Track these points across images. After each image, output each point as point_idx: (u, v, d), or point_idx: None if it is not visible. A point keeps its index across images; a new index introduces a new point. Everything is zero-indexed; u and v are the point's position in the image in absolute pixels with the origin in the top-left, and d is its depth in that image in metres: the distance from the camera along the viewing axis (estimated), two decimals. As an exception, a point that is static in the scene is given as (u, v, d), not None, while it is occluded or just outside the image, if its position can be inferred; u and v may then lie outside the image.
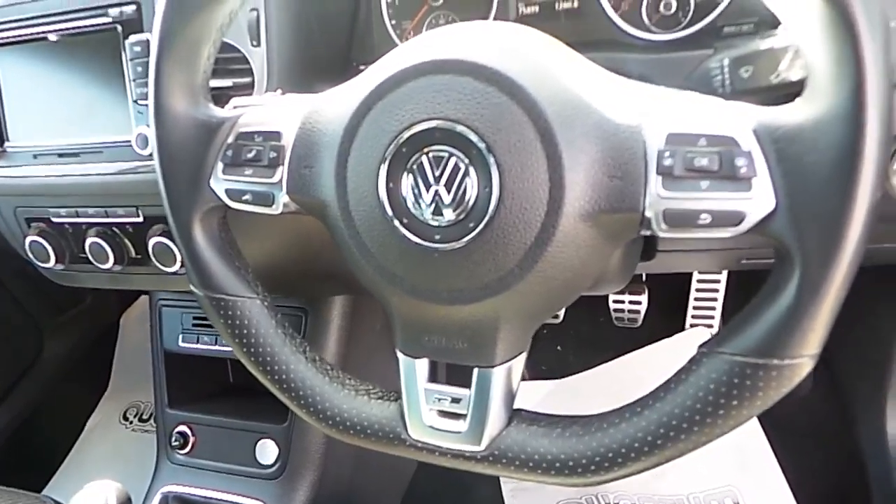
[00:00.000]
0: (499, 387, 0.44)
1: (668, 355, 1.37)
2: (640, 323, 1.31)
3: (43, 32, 0.74)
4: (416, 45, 0.43)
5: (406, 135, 0.40)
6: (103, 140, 0.74)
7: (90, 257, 0.80)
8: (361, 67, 0.47)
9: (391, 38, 0.74)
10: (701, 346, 0.40)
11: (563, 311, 1.23)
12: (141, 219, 0.77)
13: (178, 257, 0.74)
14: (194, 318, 1.05)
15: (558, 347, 1.51)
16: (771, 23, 0.37)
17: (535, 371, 1.48)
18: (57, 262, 0.83)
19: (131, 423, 1.64)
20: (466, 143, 0.39)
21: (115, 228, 0.79)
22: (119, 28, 0.70)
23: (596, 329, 1.46)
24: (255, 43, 0.66)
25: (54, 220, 0.82)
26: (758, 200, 0.35)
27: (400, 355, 0.47)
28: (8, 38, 0.76)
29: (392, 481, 1.32)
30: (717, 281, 1.36)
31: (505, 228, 0.39)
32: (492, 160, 0.38)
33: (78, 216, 0.80)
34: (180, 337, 1.05)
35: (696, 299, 1.39)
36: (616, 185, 0.38)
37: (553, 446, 0.43)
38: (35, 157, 0.78)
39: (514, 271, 0.40)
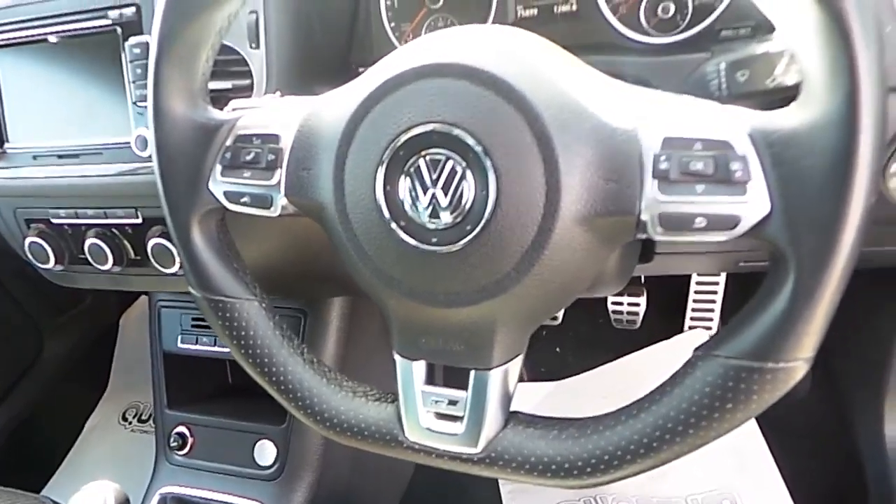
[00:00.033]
0: (495, 389, 0.44)
1: (666, 357, 1.37)
2: (638, 324, 1.31)
3: (43, 34, 0.74)
4: (413, 48, 0.43)
5: (403, 138, 0.40)
6: (103, 141, 0.74)
7: (89, 258, 0.80)
8: (360, 69, 0.47)
9: (390, 41, 0.74)
10: (696, 349, 0.40)
11: (562, 312, 1.23)
12: (140, 220, 0.77)
13: (177, 259, 0.74)
14: (193, 319, 1.05)
15: (557, 349, 1.52)
16: (768, 27, 0.37)
17: (535, 372, 1.48)
18: (56, 263, 0.83)
19: (130, 423, 1.64)
20: (463, 147, 0.39)
21: (114, 230, 0.80)
22: (119, 30, 0.70)
23: (595, 330, 1.47)
24: (254, 45, 0.66)
25: (54, 221, 0.82)
26: (753, 204, 0.35)
27: (397, 357, 0.47)
28: (8, 39, 0.76)
29: (390, 483, 1.32)
30: (716, 283, 1.36)
31: (501, 231, 0.39)
32: (488, 163, 0.38)
33: (77, 217, 0.80)
34: (179, 338, 1.05)
35: (694, 301, 1.39)
36: (612, 189, 0.38)
37: (549, 448, 0.43)
38: (35, 158, 0.78)
39: (511, 274, 0.40)
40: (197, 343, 1.04)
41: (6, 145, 0.80)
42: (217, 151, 0.48)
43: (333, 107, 0.45)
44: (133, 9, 0.69)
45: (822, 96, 0.33)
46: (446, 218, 0.40)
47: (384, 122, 0.41)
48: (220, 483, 1.01)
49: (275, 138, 0.47)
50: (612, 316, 1.31)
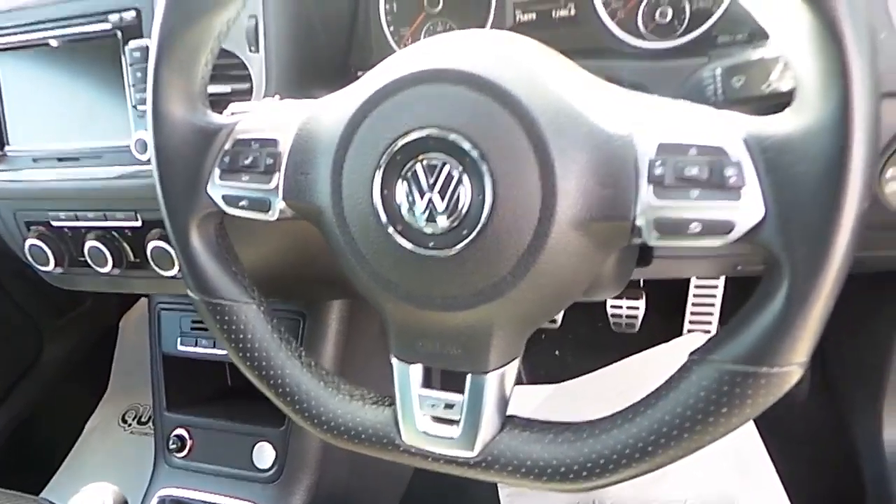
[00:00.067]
0: (492, 393, 0.44)
1: (665, 360, 1.37)
2: (637, 328, 1.31)
3: (44, 38, 0.74)
4: (411, 53, 0.43)
5: (400, 143, 0.40)
6: (103, 145, 0.74)
7: (89, 261, 0.81)
8: (359, 73, 0.48)
9: (389, 45, 0.74)
10: (692, 354, 0.40)
11: (561, 315, 1.23)
12: (139, 223, 0.77)
13: (176, 261, 0.74)
14: (193, 322, 1.05)
15: (556, 352, 1.52)
16: (764, 33, 0.37)
17: (534, 375, 1.48)
18: (56, 265, 0.83)
19: (130, 425, 1.64)
20: (460, 152, 0.39)
21: (113, 232, 0.80)
22: (119, 34, 0.71)
23: (594, 334, 1.47)
24: (253, 49, 0.66)
25: (54, 223, 0.82)
26: (747, 210, 0.36)
27: (394, 361, 0.47)
28: (9, 43, 0.76)
29: (389, 485, 1.32)
30: (715, 286, 1.36)
31: (498, 236, 0.39)
32: (485, 168, 0.39)
33: (77, 220, 0.80)
34: (179, 340, 1.06)
35: (693, 304, 1.39)
36: (607, 194, 0.38)
37: (545, 452, 0.43)
38: (35, 160, 0.79)
39: (507, 278, 0.40)
40: (196, 345, 1.04)
41: (6, 148, 0.80)
42: (216, 155, 0.48)
43: (331, 111, 0.45)
44: (133, 13, 0.70)
45: (816, 103, 0.34)
46: (443, 222, 0.40)
47: (382, 127, 0.41)
48: (219, 485, 1.02)
49: (273, 142, 0.47)
50: (612, 319, 1.31)
